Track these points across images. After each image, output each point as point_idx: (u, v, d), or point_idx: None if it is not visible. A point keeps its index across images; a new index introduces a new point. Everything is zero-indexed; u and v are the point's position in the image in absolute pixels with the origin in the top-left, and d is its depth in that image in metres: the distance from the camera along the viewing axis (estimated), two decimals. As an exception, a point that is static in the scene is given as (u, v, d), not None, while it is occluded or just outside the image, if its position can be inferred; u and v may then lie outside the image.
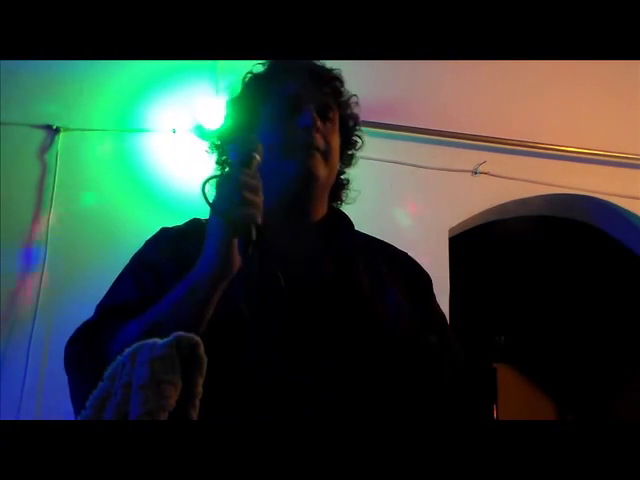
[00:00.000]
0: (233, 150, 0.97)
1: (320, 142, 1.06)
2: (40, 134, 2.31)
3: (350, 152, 1.21)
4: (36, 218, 2.23)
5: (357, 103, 1.21)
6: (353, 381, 0.95)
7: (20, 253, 2.18)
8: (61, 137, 2.31)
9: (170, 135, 2.40)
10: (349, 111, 1.20)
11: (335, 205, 1.19)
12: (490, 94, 2.71)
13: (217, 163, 1.21)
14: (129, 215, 2.29)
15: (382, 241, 1.20)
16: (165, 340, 0.67)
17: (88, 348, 0.95)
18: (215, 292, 0.90)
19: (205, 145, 1.22)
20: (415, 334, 1.04)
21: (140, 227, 2.26)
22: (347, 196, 1.22)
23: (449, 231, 2.51)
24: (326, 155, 1.07)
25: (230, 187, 0.88)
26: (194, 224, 1.13)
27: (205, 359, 0.67)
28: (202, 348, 0.67)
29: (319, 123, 1.07)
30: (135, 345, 0.68)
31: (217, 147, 1.21)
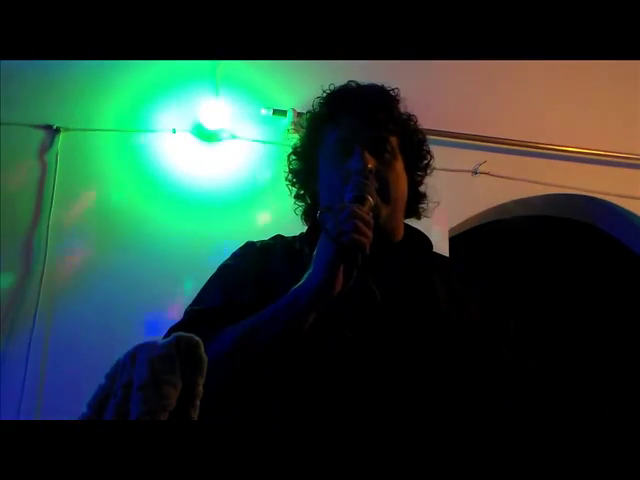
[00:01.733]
0: (348, 192, 1.04)
1: (374, 183, 1.09)
2: (40, 134, 2.31)
3: (422, 165, 1.25)
4: (36, 218, 2.22)
5: (415, 120, 1.25)
6: (431, 393, 0.99)
7: (20, 253, 2.18)
8: (61, 137, 2.31)
9: (170, 135, 2.40)
10: (410, 129, 1.23)
11: (417, 217, 1.26)
12: (490, 94, 2.71)
13: (296, 197, 1.27)
14: (129, 215, 2.29)
15: (460, 261, 1.26)
16: (165, 340, 0.67)
17: None
18: (314, 308, 0.95)
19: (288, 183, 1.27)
20: (490, 348, 1.09)
21: (140, 227, 2.27)
22: (424, 209, 1.27)
23: (449, 231, 2.51)
24: (383, 192, 1.10)
25: (346, 216, 0.95)
26: (278, 240, 1.20)
27: (205, 359, 0.67)
28: (202, 348, 0.67)
29: (370, 164, 1.09)
30: (136, 345, 0.68)
31: (294, 184, 1.27)
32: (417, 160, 1.24)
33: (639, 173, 2.70)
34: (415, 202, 1.25)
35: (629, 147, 2.71)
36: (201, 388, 0.66)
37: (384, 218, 1.11)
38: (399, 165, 1.17)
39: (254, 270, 1.11)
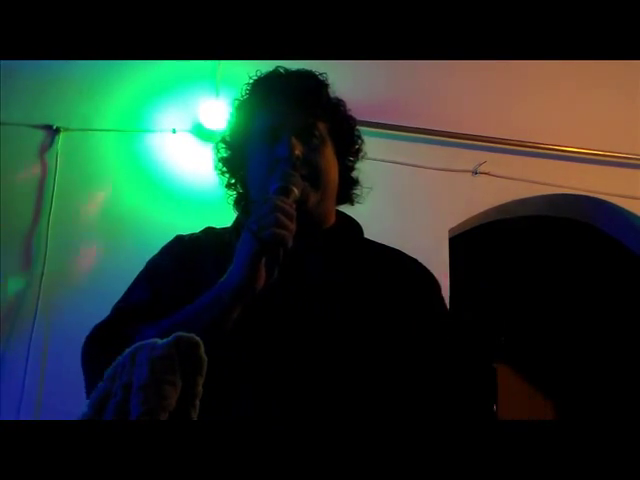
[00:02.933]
0: (273, 182, 1.02)
1: (302, 170, 1.07)
2: (40, 134, 2.31)
3: (353, 150, 1.23)
4: (36, 218, 2.22)
5: (345, 106, 1.22)
6: (360, 386, 0.97)
7: (20, 253, 2.18)
8: (61, 137, 2.31)
9: (170, 135, 2.40)
10: (339, 116, 1.21)
11: (350, 203, 1.22)
12: (490, 94, 2.71)
13: (227, 186, 1.25)
14: (129, 215, 2.29)
15: (391, 248, 1.21)
16: (165, 340, 0.67)
17: (107, 348, 0.95)
18: (237, 305, 0.93)
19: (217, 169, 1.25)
20: (423, 339, 1.06)
21: (140, 227, 2.27)
22: (357, 196, 1.24)
23: (449, 231, 2.51)
24: (312, 178, 1.09)
25: (267, 209, 0.93)
26: (208, 233, 1.20)
27: (205, 359, 0.67)
28: (202, 348, 0.67)
29: (298, 151, 1.07)
30: (135, 345, 0.68)
31: (224, 173, 1.24)
32: (348, 145, 1.22)
33: (639, 173, 2.70)
34: (347, 188, 1.22)
35: (629, 147, 2.71)
36: (201, 388, 0.66)
37: (313, 204, 1.08)
38: (329, 151, 1.14)
39: (181, 265, 1.09)
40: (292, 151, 1.07)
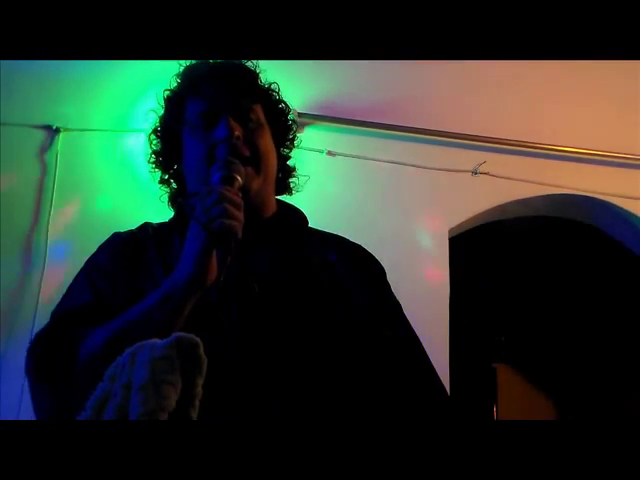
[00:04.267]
0: (215, 171, 0.99)
1: (244, 151, 1.05)
2: (40, 134, 2.31)
3: (288, 137, 1.21)
4: (36, 218, 2.22)
5: (278, 91, 1.20)
6: (316, 377, 0.94)
7: (20, 253, 2.18)
8: (61, 137, 2.31)
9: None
10: (273, 99, 1.19)
11: (288, 192, 1.20)
12: (490, 94, 2.71)
13: (160, 182, 1.22)
14: (129, 215, 2.29)
15: (335, 235, 1.19)
16: (165, 340, 0.67)
17: (53, 356, 0.93)
18: (189, 301, 0.90)
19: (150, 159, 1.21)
20: (371, 327, 1.03)
21: (140, 227, 2.27)
22: (295, 184, 1.22)
23: (449, 231, 2.51)
24: (255, 161, 1.07)
25: (214, 200, 0.90)
26: (146, 228, 1.14)
27: (205, 359, 0.67)
28: (202, 348, 0.67)
29: (237, 132, 1.05)
30: (135, 345, 0.68)
31: (159, 165, 1.20)
32: (284, 131, 1.20)
33: (639, 173, 2.70)
34: (285, 176, 1.20)
35: (629, 147, 2.71)
36: (201, 388, 0.66)
37: (255, 191, 1.06)
38: (267, 134, 1.12)
39: (121, 262, 1.04)
40: (231, 132, 1.04)
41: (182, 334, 0.67)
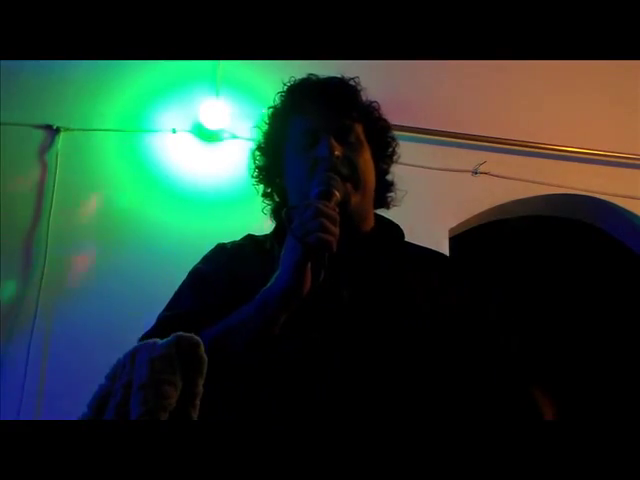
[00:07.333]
0: (314, 186, 1.02)
1: (342, 169, 1.08)
2: (40, 134, 2.31)
3: (388, 153, 1.25)
4: (36, 218, 2.22)
5: (379, 108, 1.24)
6: (401, 392, 0.97)
7: (20, 253, 2.18)
8: (61, 137, 2.31)
9: (170, 135, 2.40)
10: (373, 117, 1.22)
11: (386, 207, 1.24)
12: (490, 94, 2.71)
13: (264, 195, 1.25)
14: (129, 215, 2.29)
15: (432, 250, 1.22)
16: (165, 340, 0.67)
17: None
18: (284, 310, 0.94)
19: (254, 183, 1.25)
20: (469, 338, 1.05)
21: (140, 227, 2.27)
22: (392, 199, 1.26)
23: (449, 231, 2.51)
24: (353, 178, 1.10)
25: (311, 214, 0.93)
26: (249, 240, 1.20)
27: (205, 359, 0.67)
28: (202, 348, 0.67)
29: (337, 152, 1.09)
30: (135, 345, 0.68)
31: (260, 181, 1.24)
32: (383, 148, 1.24)
33: (639, 173, 2.70)
34: (383, 191, 1.24)
35: (629, 147, 2.71)
36: (201, 388, 0.66)
37: (354, 206, 1.09)
38: (366, 152, 1.16)
39: (226, 273, 1.09)
40: (332, 151, 1.08)
41: (182, 334, 0.67)
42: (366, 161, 1.15)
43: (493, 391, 1.03)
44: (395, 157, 1.26)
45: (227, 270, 1.10)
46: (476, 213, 2.59)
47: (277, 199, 1.23)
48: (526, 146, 2.64)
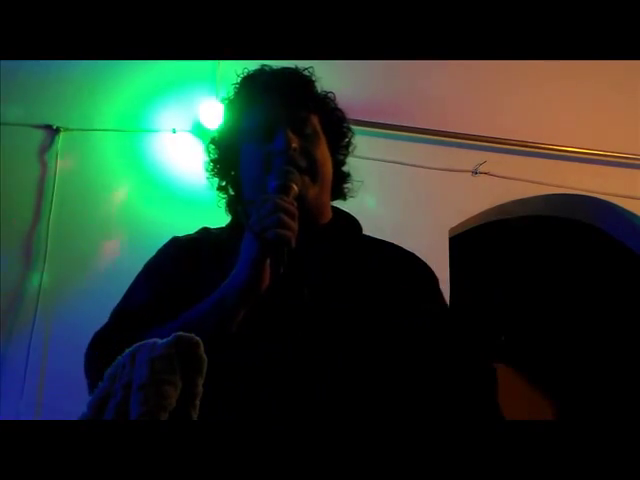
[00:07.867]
0: (272, 180, 1.01)
1: (300, 162, 1.07)
2: (40, 134, 2.31)
3: (343, 144, 1.22)
4: (36, 218, 2.22)
5: (334, 99, 1.22)
6: (366, 384, 0.95)
7: (20, 253, 2.18)
8: (61, 137, 2.31)
9: (170, 135, 2.40)
10: (329, 107, 1.21)
11: (342, 198, 1.22)
12: (490, 94, 2.71)
13: (218, 189, 1.24)
14: (129, 215, 2.29)
15: (389, 242, 1.21)
16: (165, 340, 0.67)
17: (111, 354, 0.95)
18: (242, 307, 0.92)
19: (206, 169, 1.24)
20: (424, 334, 1.04)
21: (140, 227, 2.27)
22: (349, 190, 1.24)
23: (449, 231, 2.51)
24: (311, 171, 1.08)
25: (268, 209, 0.91)
26: (204, 233, 1.18)
27: (205, 359, 0.67)
28: (202, 348, 0.67)
29: (294, 144, 1.07)
30: (135, 345, 0.68)
31: (215, 175, 1.23)
32: (339, 138, 1.22)
33: (639, 173, 2.70)
34: (340, 183, 1.22)
35: (629, 147, 2.71)
36: (201, 388, 0.66)
37: (312, 199, 1.08)
38: (323, 143, 1.15)
39: (180, 267, 1.07)
40: (289, 144, 1.06)
41: (182, 333, 0.67)
42: (323, 153, 1.13)
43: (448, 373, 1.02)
44: (351, 148, 1.24)
45: (182, 264, 1.07)
46: (476, 213, 2.59)
47: (232, 192, 1.21)
48: (526, 146, 2.64)
